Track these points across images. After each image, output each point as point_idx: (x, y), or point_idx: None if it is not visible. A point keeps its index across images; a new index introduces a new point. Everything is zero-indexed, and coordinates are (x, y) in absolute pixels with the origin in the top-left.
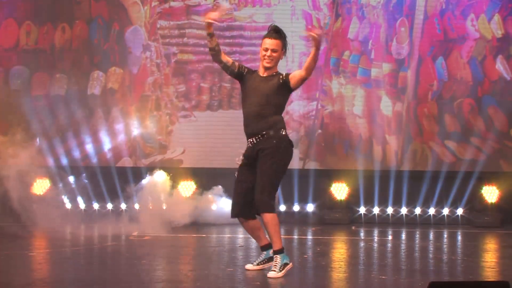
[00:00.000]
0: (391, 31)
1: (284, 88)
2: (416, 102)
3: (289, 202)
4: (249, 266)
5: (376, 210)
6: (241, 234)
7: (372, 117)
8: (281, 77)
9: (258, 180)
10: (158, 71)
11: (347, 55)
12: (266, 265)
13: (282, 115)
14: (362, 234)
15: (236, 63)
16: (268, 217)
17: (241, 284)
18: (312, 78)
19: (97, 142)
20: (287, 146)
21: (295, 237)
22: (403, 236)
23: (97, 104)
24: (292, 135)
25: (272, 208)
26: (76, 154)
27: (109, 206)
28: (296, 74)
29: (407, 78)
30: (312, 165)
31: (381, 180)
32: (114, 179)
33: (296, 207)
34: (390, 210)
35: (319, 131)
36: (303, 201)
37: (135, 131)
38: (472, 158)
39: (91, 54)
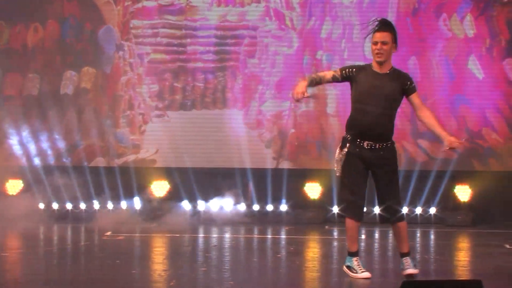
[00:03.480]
0: (364, 30)
1: (402, 94)
2: None
3: (262, 201)
4: (368, 274)
5: None
6: (214, 234)
7: (345, 117)
8: (407, 83)
9: (395, 189)
10: (131, 71)
11: (320, 55)
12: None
13: None
14: (335, 234)
15: (338, 72)
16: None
17: (215, 283)
18: (284, 77)
19: (70, 142)
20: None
21: (269, 236)
22: (376, 235)
23: (70, 103)
24: (265, 135)
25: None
26: (49, 153)
27: (82, 206)
28: (415, 100)
29: None
30: (285, 164)
31: None
32: (87, 178)
33: (269, 207)
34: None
35: (292, 130)
36: (276, 200)
37: (108, 130)
38: (445, 158)
39: (64, 54)
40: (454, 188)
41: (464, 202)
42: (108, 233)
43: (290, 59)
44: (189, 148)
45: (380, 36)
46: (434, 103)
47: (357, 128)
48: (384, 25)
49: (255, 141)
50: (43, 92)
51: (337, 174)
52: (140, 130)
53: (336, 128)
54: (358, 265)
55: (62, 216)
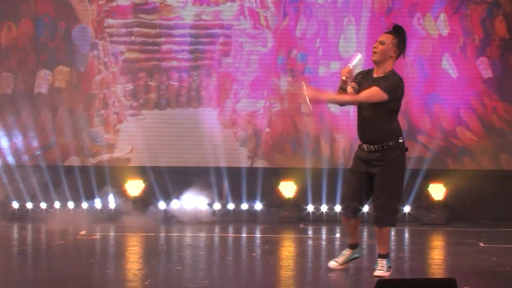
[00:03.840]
0: (339, 29)
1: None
2: None
3: (237, 200)
4: (333, 264)
5: (324, 208)
6: (189, 233)
7: (320, 115)
8: (381, 81)
9: (379, 192)
10: (106, 70)
11: (294, 54)
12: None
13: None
14: (310, 232)
15: (353, 84)
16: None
17: (189, 282)
18: (259, 76)
19: (44, 141)
20: (403, 154)
21: (244, 235)
22: None
23: (44, 102)
24: (239, 134)
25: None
26: (23, 153)
27: (57, 205)
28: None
29: None
30: (260, 163)
31: (329, 178)
32: (62, 177)
33: (244, 206)
34: (338, 208)
35: (267, 129)
36: (251, 199)
37: (83, 129)
38: (419, 156)
39: (38, 53)
40: (428, 186)
41: (438, 201)
42: (83, 232)
43: (264, 58)
44: (164, 147)
45: (381, 36)
46: (408, 102)
47: (358, 132)
48: (392, 28)
49: (230, 140)
50: (16, 91)
51: None
52: (115, 129)
53: (311, 127)
54: (341, 255)
55: (35, 215)
